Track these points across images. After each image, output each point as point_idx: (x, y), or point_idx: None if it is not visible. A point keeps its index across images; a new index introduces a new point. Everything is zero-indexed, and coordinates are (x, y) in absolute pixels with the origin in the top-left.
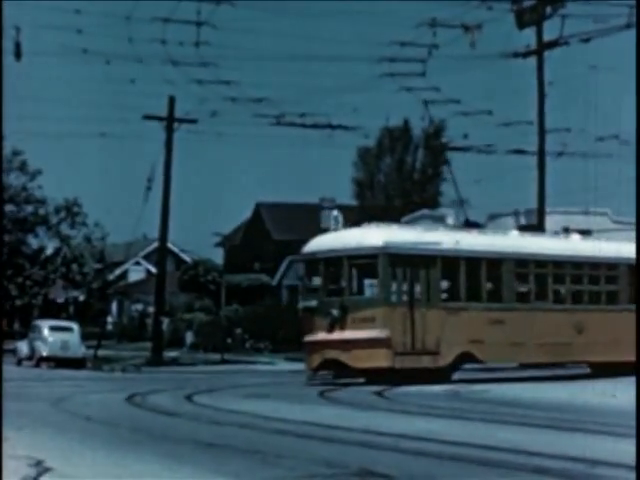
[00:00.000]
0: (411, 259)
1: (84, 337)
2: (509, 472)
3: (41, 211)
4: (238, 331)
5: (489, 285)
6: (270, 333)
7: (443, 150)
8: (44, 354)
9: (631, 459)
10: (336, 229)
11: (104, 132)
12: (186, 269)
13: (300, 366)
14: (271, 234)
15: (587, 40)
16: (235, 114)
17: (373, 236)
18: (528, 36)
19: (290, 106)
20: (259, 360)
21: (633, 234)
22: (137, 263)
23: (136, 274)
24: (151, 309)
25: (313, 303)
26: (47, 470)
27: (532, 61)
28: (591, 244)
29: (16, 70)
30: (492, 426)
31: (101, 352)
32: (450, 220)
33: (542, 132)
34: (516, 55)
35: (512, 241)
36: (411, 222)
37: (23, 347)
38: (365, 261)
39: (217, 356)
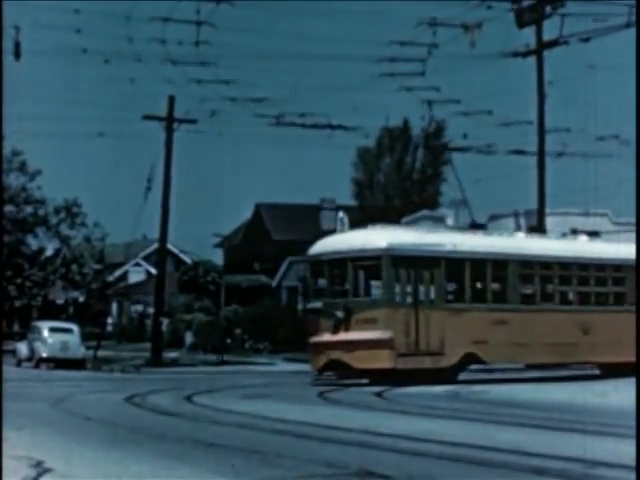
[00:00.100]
0: (415, 260)
1: (84, 338)
2: (509, 472)
3: (41, 212)
4: (238, 332)
5: (494, 286)
6: (270, 334)
7: (443, 150)
8: (44, 355)
9: (631, 460)
10: (342, 230)
11: (103, 132)
12: (186, 270)
13: (299, 367)
14: (271, 234)
15: (587, 39)
16: (235, 114)
17: (377, 238)
18: (528, 35)
19: (290, 106)
20: (258, 361)
21: (633, 235)
22: (137, 264)
23: (136, 275)
24: (151, 310)
25: (318, 304)
26: (47, 471)
27: (532, 60)
28: (597, 246)
29: (16, 70)
30: (491, 427)
31: (101, 353)
32: (450, 221)
33: (542, 132)
34: (516, 55)
35: (518, 243)
36: (411, 223)
37: (23, 348)
38: (369, 263)
39: (216, 357)
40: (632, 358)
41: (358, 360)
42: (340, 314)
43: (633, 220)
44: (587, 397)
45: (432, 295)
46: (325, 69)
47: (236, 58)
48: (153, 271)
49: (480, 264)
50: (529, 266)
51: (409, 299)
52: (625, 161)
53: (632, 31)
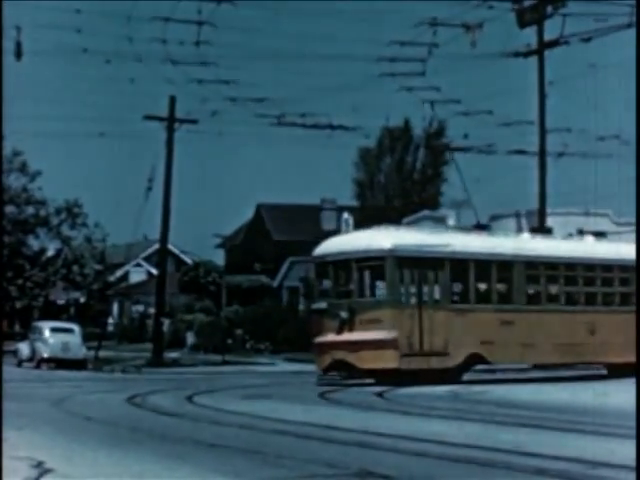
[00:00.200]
0: (419, 261)
1: (85, 338)
2: (509, 473)
3: (42, 212)
4: (238, 332)
5: (499, 287)
6: (270, 334)
7: (443, 150)
8: (45, 355)
9: (631, 460)
10: (347, 231)
11: (104, 132)
12: (187, 270)
13: (300, 367)
14: (272, 235)
15: (588, 40)
16: (235, 114)
17: (381, 239)
18: (529, 35)
19: (290, 106)
20: (259, 361)
21: (634, 235)
22: (138, 264)
23: (137, 275)
24: (152, 310)
25: (323, 305)
26: (48, 471)
27: (533, 60)
28: (603, 246)
29: (16, 70)
30: (492, 427)
31: (102, 353)
32: (451, 221)
33: (543, 132)
34: (517, 55)
35: (523, 243)
36: (412, 223)
37: (24, 348)
38: (373, 263)
39: (218, 357)
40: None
41: (362, 360)
42: (344, 314)
43: (634, 220)
44: (588, 397)
45: (436, 296)
46: (326, 69)
47: (237, 58)
48: (154, 271)
49: (485, 265)
50: (535, 267)
51: (413, 299)
52: (626, 161)
53: (633, 31)
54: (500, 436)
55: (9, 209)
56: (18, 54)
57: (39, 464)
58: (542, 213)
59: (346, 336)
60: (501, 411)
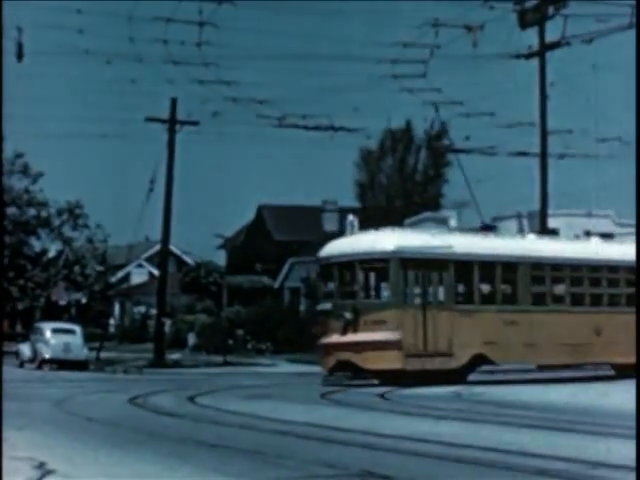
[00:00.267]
0: (423, 263)
1: (86, 339)
2: (510, 473)
3: (43, 213)
4: (240, 333)
5: (504, 288)
6: (272, 334)
7: (444, 152)
8: (46, 356)
9: (631, 460)
10: (352, 233)
11: (105, 133)
12: (188, 271)
13: (301, 367)
14: (273, 236)
15: (590, 41)
16: (237, 114)
17: (385, 240)
18: (530, 36)
19: (292, 106)
20: (261, 362)
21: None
22: (139, 265)
23: (138, 276)
24: (153, 311)
25: (327, 306)
26: (49, 472)
27: (534, 62)
28: (609, 247)
29: (18, 71)
30: (492, 427)
31: (103, 354)
32: (453, 222)
33: (544, 133)
34: (518, 56)
35: (529, 244)
36: (414, 224)
37: (25, 349)
38: (377, 265)
39: (219, 358)
40: None
41: (367, 361)
42: (349, 315)
43: (634, 221)
44: (589, 397)
45: (441, 297)
46: (327, 70)
47: (238, 59)
48: (155, 272)
49: (490, 266)
50: (540, 268)
51: (417, 300)
52: (628, 162)
53: (634, 32)
54: (500, 436)
55: (11, 210)
56: (19, 55)
57: (40, 464)
58: (544, 214)
59: (351, 337)
60: (502, 411)
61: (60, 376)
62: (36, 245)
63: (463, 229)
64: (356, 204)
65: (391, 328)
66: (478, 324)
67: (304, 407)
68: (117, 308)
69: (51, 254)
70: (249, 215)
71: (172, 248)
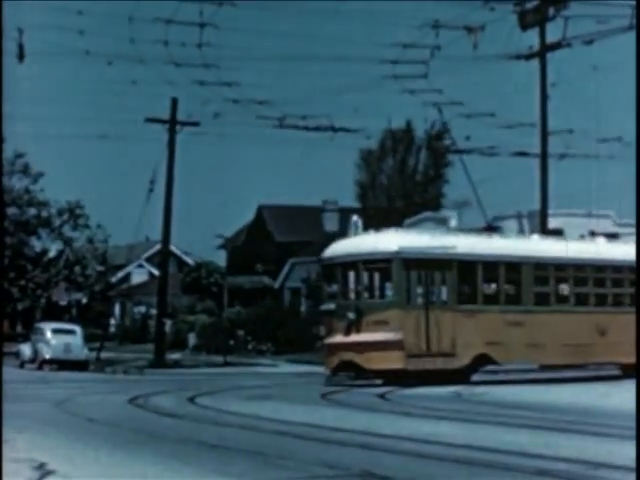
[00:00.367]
0: (426, 263)
1: (86, 339)
2: (510, 474)
3: (44, 213)
4: (240, 333)
5: (507, 288)
6: (272, 335)
7: (444, 152)
8: (47, 356)
9: (631, 461)
10: (356, 234)
11: (106, 134)
12: (188, 271)
13: (302, 368)
14: (273, 236)
15: (590, 42)
16: (237, 115)
17: (388, 241)
18: (531, 37)
19: (292, 107)
20: (261, 362)
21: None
22: (139, 265)
23: (138, 276)
24: (153, 311)
25: (331, 306)
26: (50, 472)
27: (535, 62)
28: (614, 247)
29: (19, 72)
30: (493, 428)
31: (103, 354)
32: (453, 222)
33: (544, 134)
34: (519, 57)
35: (533, 245)
36: (414, 224)
37: (26, 350)
38: (381, 265)
39: (219, 358)
40: None
41: (369, 361)
42: (352, 315)
43: (634, 221)
44: (590, 398)
45: (444, 297)
46: (328, 71)
47: (239, 60)
48: (156, 272)
49: (493, 266)
50: (544, 268)
51: (420, 301)
52: (628, 163)
53: (634, 33)
54: (502, 437)
55: (11, 210)
56: (20, 56)
57: (41, 465)
58: (544, 214)
59: (354, 337)
60: (502, 412)
61: (60, 376)
62: (36, 245)
63: (464, 229)
64: (356, 204)
65: (393, 328)
66: (481, 324)
67: (305, 408)
68: (117, 308)
69: (51, 254)
70: (249, 215)
71: (172, 248)
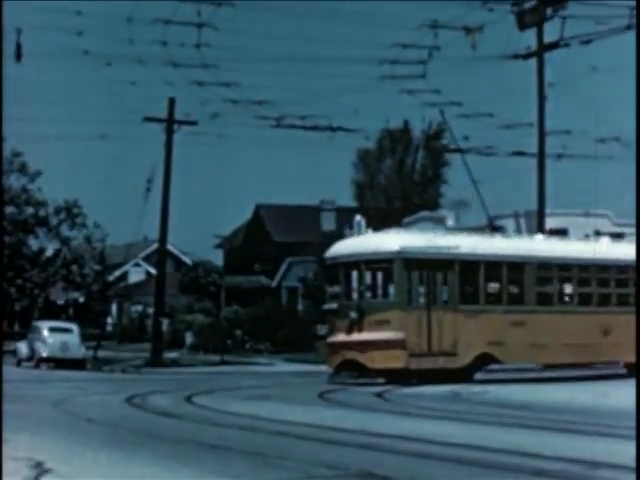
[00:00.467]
0: (428, 263)
1: (84, 338)
2: (509, 474)
3: (41, 212)
4: (238, 332)
5: (510, 287)
6: (270, 334)
7: (442, 152)
8: (44, 355)
9: (631, 461)
10: (359, 234)
11: (104, 134)
12: (186, 271)
13: (300, 367)
14: (271, 236)
15: (588, 42)
16: (236, 116)
17: (390, 241)
18: (529, 38)
19: (290, 108)
20: (259, 361)
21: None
22: (137, 264)
23: (136, 275)
24: (151, 310)
25: (334, 305)
26: (47, 471)
27: (533, 63)
28: (618, 247)
29: (17, 72)
30: (492, 428)
31: (101, 353)
32: (450, 222)
33: (542, 134)
34: (516, 57)
35: (536, 245)
36: (411, 224)
37: (23, 348)
38: (383, 265)
39: (217, 357)
40: None
41: (371, 360)
42: (354, 315)
43: (633, 221)
44: (588, 398)
45: (445, 297)
46: (326, 71)
47: (237, 60)
48: (153, 272)
49: (496, 266)
50: (547, 268)
51: (422, 300)
52: (626, 163)
53: (633, 33)
54: (500, 436)
55: (9, 209)
56: (18, 56)
57: (38, 464)
58: (541, 214)
59: (356, 336)
60: (501, 411)
61: (57, 375)
62: (34, 244)
63: (463, 228)
64: (354, 204)
65: (395, 328)
66: (483, 324)
67: (303, 408)
68: (115, 307)
69: (49, 253)
70: (247, 215)
71: (170, 248)
